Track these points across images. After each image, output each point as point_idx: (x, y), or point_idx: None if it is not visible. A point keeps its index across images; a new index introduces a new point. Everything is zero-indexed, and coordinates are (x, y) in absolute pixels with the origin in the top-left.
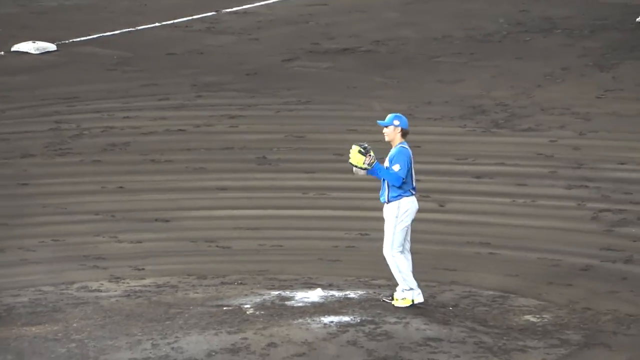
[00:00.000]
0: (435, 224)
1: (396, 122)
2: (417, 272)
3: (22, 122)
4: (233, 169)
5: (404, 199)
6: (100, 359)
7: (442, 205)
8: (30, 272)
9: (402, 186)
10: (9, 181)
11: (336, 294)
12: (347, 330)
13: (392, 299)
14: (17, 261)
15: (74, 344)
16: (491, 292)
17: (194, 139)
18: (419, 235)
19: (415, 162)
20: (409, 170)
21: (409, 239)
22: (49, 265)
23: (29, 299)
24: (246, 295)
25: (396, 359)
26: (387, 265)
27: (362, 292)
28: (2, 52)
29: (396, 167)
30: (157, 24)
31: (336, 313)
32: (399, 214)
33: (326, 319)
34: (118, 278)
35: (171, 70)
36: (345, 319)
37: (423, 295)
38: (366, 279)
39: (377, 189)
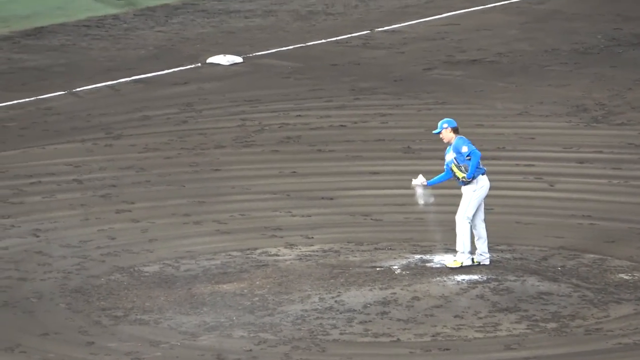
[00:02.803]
0: (546, 200)
1: (445, 125)
2: (532, 240)
3: (215, 120)
4: (383, 157)
5: (480, 177)
6: (277, 310)
7: (552, 185)
8: (222, 240)
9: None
10: (205, 167)
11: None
12: (476, 287)
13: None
14: (212, 231)
15: (256, 298)
16: (592, 255)
17: (352, 133)
18: (534, 210)
19: (531, 151)
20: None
21: (483, 211)
22: (236, 234)
23: (221, 262)
24: (395, 258)
25: (515, 309)
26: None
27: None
28: (200, 64)
29: (465, 149)
30: (323, 40)
31: (467, 272)
32: (477, 188)
33: (459, 277)
34: (292, 245)
35: (334, 78)
36: (474, 277)
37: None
38: (491, 245)
39: (500, 173)
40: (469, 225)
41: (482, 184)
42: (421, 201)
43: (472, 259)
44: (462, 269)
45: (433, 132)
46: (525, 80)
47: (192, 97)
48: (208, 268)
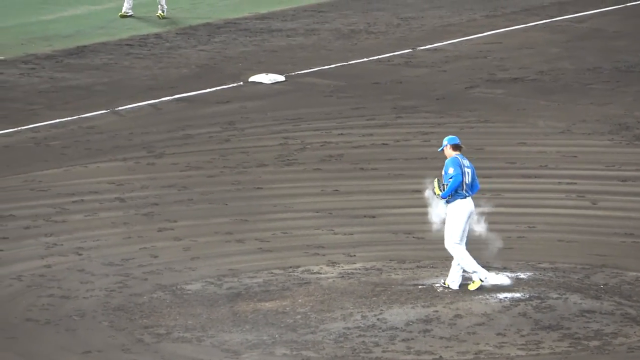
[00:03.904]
0: (588, 218)
1: (445, 142)
2: (575, 257)
3: (257, 139)
4: (425, 175)
5: (458, 201)
6: (320, 327)
7: (594, 203)
8: (264, 258)
9: (457, 190)
10: (248, 185)
11: (509, 274)
12: (518, 304)
13: (445, 284)
14: (254, 249)
15: (299, 316)
16: (634, 273)
17: (394, 151)
18: (576, 228)
19: (573, 169)
20: (463, 172)
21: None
22: (279, 252)
23: (263, 280)
24: (437, 276)
25: (558, 327)
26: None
27: (530, 274)
28: (242, 83)
29: (450, 170)
30: (365, 59)
31: (509, 290)
32: (455, 213)
33: (501, 295)
34: (334, 263)
35: (376, 96)
36: (517, 295)
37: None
38: (533, 263)
39: (543, 191)
40: (462, 247)
41: (461, 208)
42: (435, 217)
43: (445, 281)
44: (504, 287)
45: (438, 150)
46: (567, 98)
47: (235, 115)
48: (250, 286)
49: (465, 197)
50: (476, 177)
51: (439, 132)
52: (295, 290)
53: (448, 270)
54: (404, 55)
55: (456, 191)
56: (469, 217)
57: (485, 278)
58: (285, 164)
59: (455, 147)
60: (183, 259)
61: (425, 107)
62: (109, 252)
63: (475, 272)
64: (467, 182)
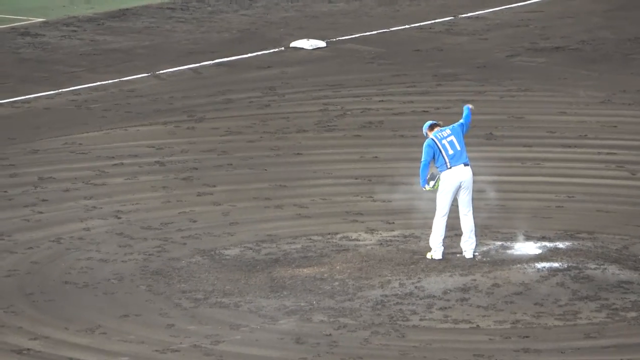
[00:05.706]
0: (628, 189)
1: (424, 131)
2: (613, 228)
3: (297, 104)
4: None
5: (442, 174)
6: (357, 295)
7: (633, 174)
8: (302, 224)
9: (438, 165)
10: (287, 151)
11: (547, 244)
12: (556, 274)
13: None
14: (292, 215)
15: (337, 283)
16: None
17: (434, 119)
18: (615, 198)
19: (613, 139)
20: (429, 155)
21: (465, 205)
22: (317, 219)
23: (302, 246)
24: (475, 245)
25: (596, 297)
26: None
27: (569, 243)
28: (283, 48)
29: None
30: (406, 26)
31: (547, 260)
32: (439, 185)
33: (539, 265)
34: (373, 230)
35: (417, 64)
36: (555, 265)
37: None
38: (572, 233)
39: (582, 160)
40: (438, 222)
41: (443, 181)
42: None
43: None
44: (542, 257)
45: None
46: (608, 68)
47: (275, 81)
48: (289, 252)
49: (447, 168)
50: (464, 126)
51: (480, 100)
52: (333, 257)
53: (485, 240)
54: (445, 22)
55: (440, 165)
56: (458, 187)
57: (432, 258)
58: (325, 130)
59: (432, 127)
60: (222, 224)
61: (466, 75)
62: (148, 216)
63: (433, 248)
64: (448, 154)
